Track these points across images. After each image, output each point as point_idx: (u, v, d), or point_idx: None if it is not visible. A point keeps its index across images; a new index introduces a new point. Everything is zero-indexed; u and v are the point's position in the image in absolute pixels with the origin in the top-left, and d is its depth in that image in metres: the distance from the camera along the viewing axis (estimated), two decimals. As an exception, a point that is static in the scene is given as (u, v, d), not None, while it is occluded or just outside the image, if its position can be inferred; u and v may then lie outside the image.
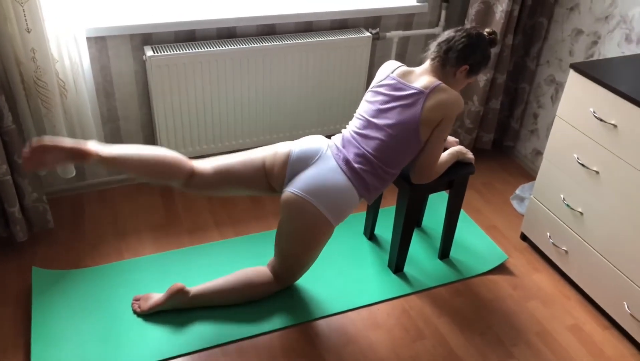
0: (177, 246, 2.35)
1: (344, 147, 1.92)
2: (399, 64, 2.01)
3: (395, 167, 1.92)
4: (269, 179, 1.93)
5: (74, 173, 2.24)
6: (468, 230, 2.54)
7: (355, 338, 2.00)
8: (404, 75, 1.94)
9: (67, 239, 2.33)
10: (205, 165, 1.94)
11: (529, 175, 2.97)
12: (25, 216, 2.18)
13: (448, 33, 1.96)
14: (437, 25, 2.87)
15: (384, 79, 1.96)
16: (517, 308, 2.18)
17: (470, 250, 2.42)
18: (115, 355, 1.85)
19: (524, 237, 2.52)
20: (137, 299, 2.04)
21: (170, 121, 2.46)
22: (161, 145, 2.50)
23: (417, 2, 2.75)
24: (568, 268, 2.27)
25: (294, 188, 1.85)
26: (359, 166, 1.88)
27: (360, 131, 1.93)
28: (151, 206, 2.56)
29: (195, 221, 2.50)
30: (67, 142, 1.73)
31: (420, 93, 1.86)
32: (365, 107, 1.97)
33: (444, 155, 2.07)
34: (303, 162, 1.89)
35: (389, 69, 1.98)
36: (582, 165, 2.08)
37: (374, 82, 2.00)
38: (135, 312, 2.00)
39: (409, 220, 2.13)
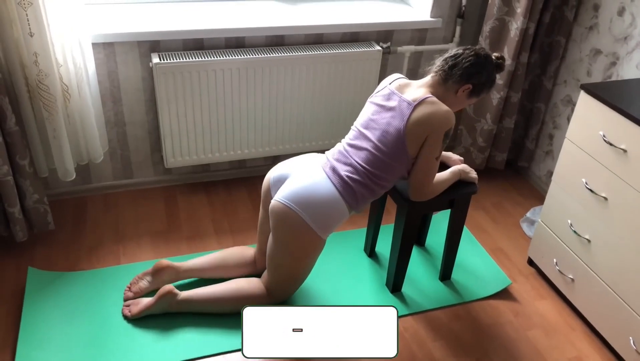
0: (174, 253, 2.34)
1: (333, 157, 1.91)
2: (401, 76, 1.97)
3: (384, 179, 1.88)
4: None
5: (74, 176, 2.26)
6: (472, 251, 2.46)
7: (345, 357, 1.95)
8: (401, 87, 1.90)
9: (66, 241, 2.35)
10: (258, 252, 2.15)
11: (542, 197, 2.87)
12: (26, 217, 2.21)
13: (456, 50, 1.91)
14: (451, 41, 2.81)
15: (381, 90, 1.93)
16: (517, 335, 2.09)
17: (473, 273, 2.35)
18: (100, 360, 1.84)
19: (530, 262, 2.43)
20: (127, 304, 2.04)
21: (175, 128, 2.47)
22: (166, 154, 2.51)
23: (431, 17, 2.70)
24: (574, 297, 2.17)
25: (280, 196, 1.84)
26: (347, 174, 1.85)
27: (352, 142, 1.91)
28: (154, 212, 2.56)
29: (195, 228, 2.49)
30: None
31: (408, 105, 1.81)
32: (360, 118, 1.95)
33: (445, 173, 2.01)
34: (284, 177, 1.92)
35: (389, 80, 1.95)
36: (591, 190, 1.99)
37: (373, 93, 1.97)
38: (125, 317, 2.00)
39: (407, 238, 2.07)
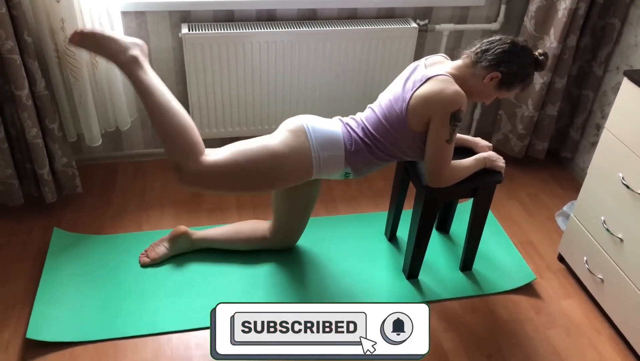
0: (195, 223, 2.36)
1: (351, 118, 1.93)
2: (443, 55, 1.93)
3: (384, 146, 1.84)
4: None
5: (100, 142, 2.31)
6: (498, 243, 2.35)
7: (350, 341, 1.92)
8: (432, 63, 1.83)
9: (93, 206, 2.42)
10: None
11: (584, 191, 2.70)
12: (55, 179, 2.28)
13: (497, 36, 1.81)
14: (495, 21, 2.66)
15: (415, 62, 1.89)
16: (536, 334, 1.99)
17: (496, 265, 2.24)
18: (110, 323, 1.89)
19: (561, 258, 2.29)
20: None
21: (203, 100, 2.47)
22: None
23: (474, -6, 2.56)
24: (602, 299, 2.04)
25: (297, 118, 1.89)
26: (352, 127, 1.87)
27: (371, 110, 1.90)
28: (180, 182, 2.59)
29: (218, 201, 2.51)
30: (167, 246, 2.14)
31: (420, 79, 1.75)
32: (387, 88, 1.93)
33: (467, 160, 1.91)
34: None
35: (428, 56, 1.90)
36: (627, 186, 1.84)
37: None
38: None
39: (424, 224, 2.00)
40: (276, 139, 1.82)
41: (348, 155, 1.83)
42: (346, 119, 1.91)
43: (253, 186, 1.82)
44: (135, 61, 1.71)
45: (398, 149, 1.84)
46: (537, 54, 1.81)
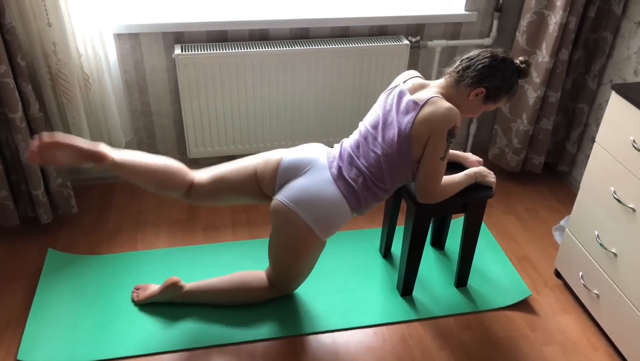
0: (189, 242, 2.37)
1: (340, 157, 1.85)
2: (417, 75, 1.89)
3: (387, 183, 1.81)
4: (261, 187, 1.89)
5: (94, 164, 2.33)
6: (493, 259, 2.33)
7: (343, 360, 1.90)
8: (414, 87, 1.81)
9: (89, 226, 2.43)
10: (203, 175, 1.93)
11: (582, 205, 2.68)
12: (50, 200, 2.30)
13: (475, 51, 1.81)
14: (487, 36, 2.67)
15: (393, 87, 1.85)
16: (531, 351, 1.96)
17: (491, 281, 2.22)
18: (104, 344, 1.89)
19: (558, 274, 2.27)
20: (137, 289, 2.09)
21: (197, 119, 2.49)
22: (188, 144, 2.55)
23: (466, 10, 2.58)
24: (599, 315, 2.01)
25: (282, 196, 1.80)
26: (351, 177, 1.80)
27: (359, 141, 1.86)
28: (176, 201, 2.60)
29: (213, 219, 2.51)
30: (81, 142, 1.71)
31: (415, 107, 1.73)
32: (369, 114, 1.89)
33: (458, 175, 1.91)
34: (293, 171, 1.83)
35: (403, 78, 1.87)
36: (618, 200, 1.83)
37: (386, 89, 1.90)
38: (133, 301, 2.05)
39: (416, 241, 1.99)
40: (285, 240, 1.82)
41: (354, 210, 1.83)
42: (350, 174, 1.80)
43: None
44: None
45: (400, 181, 1.84)
46: (518, 62, 1.80)
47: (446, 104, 1.71)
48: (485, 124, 2.97)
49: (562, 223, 2.51)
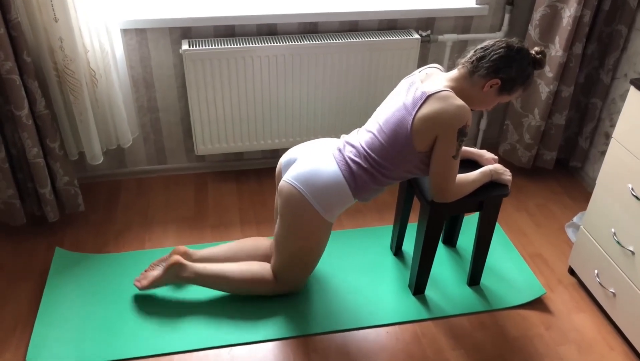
0: (197, 240, 2.34)
1: (346, 140, 1.87)
2: (436, 66, 1.86)
3: (387, 169, 1.78)
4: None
5: (102, 160, 2.30)
6: (506, 256, 2.30)
7: (355, 360, 1.87)
8: (428, 76, 1.78)
9: (97, 224, 2.41)
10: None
11: (595, 201, 2.64)
12: (57, 198, 2.27)
13: (490, 41, 1.76)
14: (499, 30, 2.63)
15: (410, 76, 1.83)
16: (546, 350, 1.93)
17: (505, 279, 2.19)
18: (111, 344, 1.87)
19: (572, 271, 2.24)
20: (138, 279, 2.05)
21: (205, 115, 2.46)
22: (196, 141, 2.51)
23: (477, 4, 2.53)
24: (615, 313, 1.98)
25: (287, 176, 1.83)
26: (350, 156, 1.80)
27: (366, 127, 1.85)
28: (183, 198, 2.58)
29: (221, 217, 2.48)
30: (157, 273, 2.01)
31: (420, 97, 1.70)
32: (383, 102, 1.88)
33: (473, 174, 1.87)
34: (295, 159, 1.90)
35: (421, 68, 1.85)
36: (636, 197, 1.79)
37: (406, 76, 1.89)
38: (137, 287, 2.02)
39: (429, 239, 1.96)
40: (292, 223, 1.85)
41: (354, 192, 1.81)
42: (347, 152, 1.82)
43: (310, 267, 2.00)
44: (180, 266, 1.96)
45: (403, 170, 1.80)
46: (533, 52, 1.74)
47: (455, 102, 1.66)
48: (495, 120, 2.93)
49: (575, 219, 2.48)
